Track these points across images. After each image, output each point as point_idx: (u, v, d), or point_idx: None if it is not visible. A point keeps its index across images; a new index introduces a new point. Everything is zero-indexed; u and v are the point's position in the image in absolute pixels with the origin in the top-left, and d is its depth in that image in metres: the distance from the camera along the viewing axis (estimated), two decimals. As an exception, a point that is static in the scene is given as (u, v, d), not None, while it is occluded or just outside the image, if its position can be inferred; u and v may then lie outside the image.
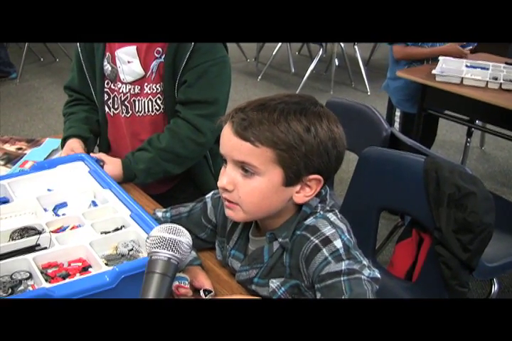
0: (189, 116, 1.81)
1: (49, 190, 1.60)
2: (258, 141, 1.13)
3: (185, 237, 1.07)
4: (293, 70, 6.00)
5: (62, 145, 1.91)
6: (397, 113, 3.43)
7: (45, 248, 1.31)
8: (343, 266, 1.15)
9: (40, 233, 1.35)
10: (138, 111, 1.89)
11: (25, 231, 1.37)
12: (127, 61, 1.83)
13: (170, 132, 1.83)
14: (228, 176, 1.19)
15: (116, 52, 1.83)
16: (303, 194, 1.21)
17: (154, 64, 1.82)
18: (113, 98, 1.92)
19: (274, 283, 1.26)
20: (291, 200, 1.22)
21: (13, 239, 1.35)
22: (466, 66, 2.98)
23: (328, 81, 5.47)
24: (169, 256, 1.02)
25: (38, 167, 1.65)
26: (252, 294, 1.32)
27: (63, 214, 1.49)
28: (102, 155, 1.82)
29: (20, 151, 2.00)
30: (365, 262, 1.18)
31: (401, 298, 1.80)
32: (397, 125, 3.43)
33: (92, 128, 1.97)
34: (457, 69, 2.92)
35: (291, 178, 1.17)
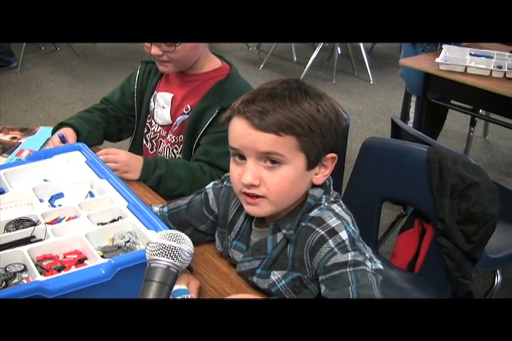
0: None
1: (45, 180, 1.58)
2: (281, 130, 1.12)
3: (186, 245, 1.05)
4: (295, 59, 5.95)
5: (55, 131, 1.91)
6: (413, 98, 3.35)
7: (41, 240, 1.29)
8: (350, 257, 1.15)
9: (35, 224, 1.33)
10: (160, 152, 1.98)
11: (20, 223, 1.35)
12: (162, 106, 1.95)
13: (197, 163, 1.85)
14: (252, 171, 1.17)
15: (158, 93, 1.96)
16: (321, 174, 1.23)
17: (180, 118, 1.90)
18: (149, 132, 2.02)
19: (275, 276, 1.25)
20: (310, 184, 1.23)
21: (7, 231, 1.33)
22: (470, 54, 2.93)
23: (331, 69, 5.43)
24: (169, 264, 1.00)
25: (34, 157, 1.63)
26: (251, 286, 1.30)
27: (59, 205, 1.47)
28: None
29: (14, 140, 1.98)
30: (368, 254, 1.19)
31: (403, 289, 1.79)
32: (411, 115, 3.37)
33: (92, 131, 1.96)
34: (461, 57, 2.87)
35: (313, 161, 1.18)
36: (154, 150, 2.01)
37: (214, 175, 1.77)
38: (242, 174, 1.18)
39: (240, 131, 1.16)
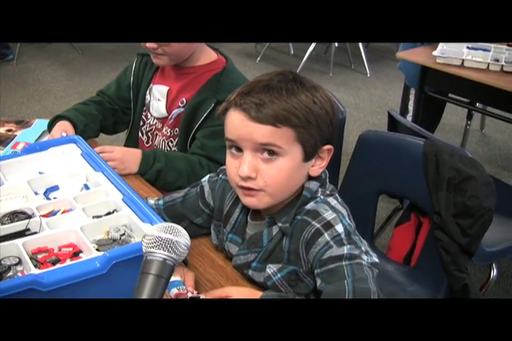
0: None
1: (40, 173, 1.57)
2: (278, 122, 1.13)
3: (182, 237, 1.05)
4: (292, 52, 5.93)
5: (51, 124, 1.90)
6: (413, 91, 3.34)
7: (35, 232, 1.28)
8: (345, 250, 1.15)
9: (30, 217, 1.33)
10: (155, 145, 1.98)
11: (15, 216, 1.34)
12: (157, 98, 1.94)
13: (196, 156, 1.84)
14: (249, 163, 1.17)
15: (154, 86, 1.96)
16: (317, 166, 1.23)
17: (176, 111, 1.89)
18: (145, 125, 2.02)
19: (270, 269, 1.25)
20: (306, 176, 1.23)
21: (2, 224, 1.32)
22: (467, 48, 2.92)
23: (328, 63, 5.41)
24: (165, 256, 0.99)
25: (29, 149, 1.62)
26: (247, 279, 1.30)
27: (54, 198, 1.46)
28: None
29: (10, 133, 1.97)
30: (363, 247, 1.19)
31: (399, 282, 1.79)
32: (411, 108, 3.36)
33: (89, 124, 1.95)
34: (458, 50, 2.86)
35: (310, 153, 1.19)
36: (150, 142, 2.00)
37: (212, 168, 1.76)
38: (239, 166, 1.18)
39: (237, 122, 1.16)
